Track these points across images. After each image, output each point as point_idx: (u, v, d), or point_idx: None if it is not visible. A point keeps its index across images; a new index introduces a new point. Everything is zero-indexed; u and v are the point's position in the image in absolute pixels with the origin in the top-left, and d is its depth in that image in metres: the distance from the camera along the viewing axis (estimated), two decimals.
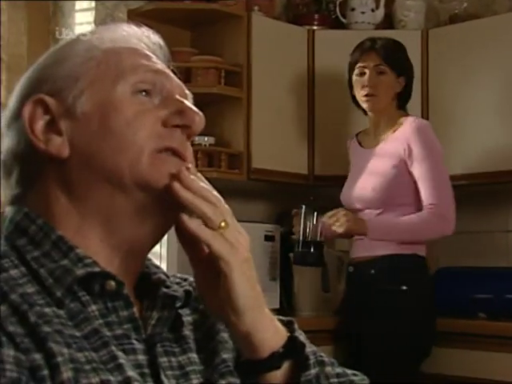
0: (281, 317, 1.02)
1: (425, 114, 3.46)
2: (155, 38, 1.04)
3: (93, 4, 3.26)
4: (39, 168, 0.95)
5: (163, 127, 0.94)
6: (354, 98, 3.16)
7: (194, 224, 0.91)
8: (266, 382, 0.96)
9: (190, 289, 1.01)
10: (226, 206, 0.94)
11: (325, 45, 3.54)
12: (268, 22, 3.46)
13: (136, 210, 0.93)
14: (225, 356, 0.99)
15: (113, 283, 0.91)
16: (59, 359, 0.82)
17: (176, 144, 0.95)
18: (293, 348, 0.98)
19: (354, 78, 3.10)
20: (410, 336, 2.92)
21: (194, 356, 0.98)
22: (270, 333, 0.96)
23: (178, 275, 1.06)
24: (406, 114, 3.10)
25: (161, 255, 2.82)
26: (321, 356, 1.01)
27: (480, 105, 3.35)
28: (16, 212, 0.95)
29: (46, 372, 0.81)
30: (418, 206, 2.99)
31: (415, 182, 2.97)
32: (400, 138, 3.00)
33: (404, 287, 2.93)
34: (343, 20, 3.67)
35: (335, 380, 1.00)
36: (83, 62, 0.96)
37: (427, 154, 2.96)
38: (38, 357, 0.82)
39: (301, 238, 3.05)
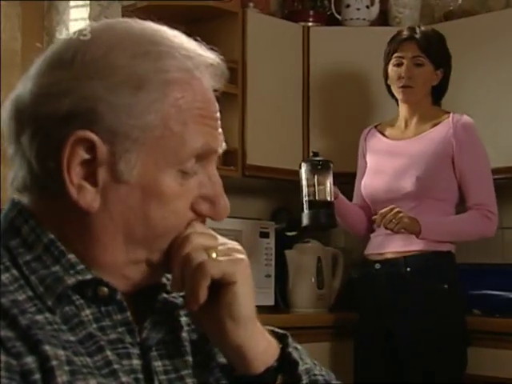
0: (276, 329, 1.01)
1: None
2: (222, 65, 0.99)
3: (87, 1, 3.25)
4: (58, 194, 0.89)
5: (191, 211, 0.92)
6: (388, 87, 3.10)
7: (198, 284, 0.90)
8: None
9: None
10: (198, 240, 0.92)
11: (320, 41, 3.54)
12: (263, 18, 3.46)
13: (139, 269, 0.92)
14: (221, 360, 0.99)
15: (105, 289, 0.90)
16: (54, 363, 0.81)
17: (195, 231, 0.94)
18: (286, 363, 0.97)
19: (391, 68, 3.03)
20: (450, 335, 2.86)
21: (189, 359, 0.97)
22: (263, 347, 0.95)
23: None
24: (446, 111, 3.03)
25: None
26: (314, 375, 0.99)
27: (475, 102, 3.35)
28: (11, 208, 0.93)
29: (37, 376, 0.81)
30: (455, 203, 2.96)
31: (456, 179, 2.93)
32: (445, 134, 2.94)
33: (445, 286, 2.87)
34: (338, 16, 3.67)
35: None
36: (149, 119, 0.89)
37: (478, 153, 2.94)
38: (29, 360, 0.81)
39: (306, 198, 2.95)
